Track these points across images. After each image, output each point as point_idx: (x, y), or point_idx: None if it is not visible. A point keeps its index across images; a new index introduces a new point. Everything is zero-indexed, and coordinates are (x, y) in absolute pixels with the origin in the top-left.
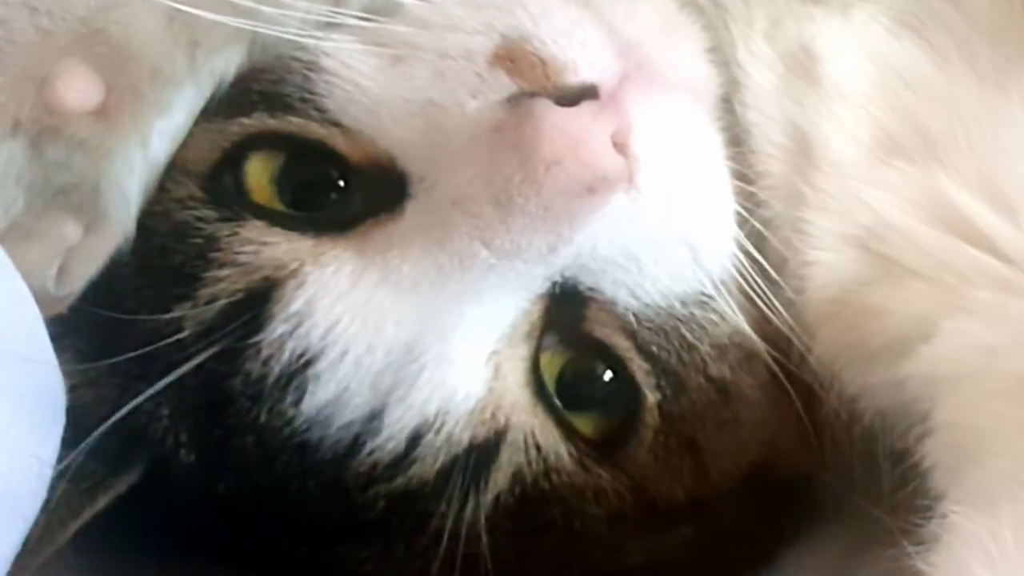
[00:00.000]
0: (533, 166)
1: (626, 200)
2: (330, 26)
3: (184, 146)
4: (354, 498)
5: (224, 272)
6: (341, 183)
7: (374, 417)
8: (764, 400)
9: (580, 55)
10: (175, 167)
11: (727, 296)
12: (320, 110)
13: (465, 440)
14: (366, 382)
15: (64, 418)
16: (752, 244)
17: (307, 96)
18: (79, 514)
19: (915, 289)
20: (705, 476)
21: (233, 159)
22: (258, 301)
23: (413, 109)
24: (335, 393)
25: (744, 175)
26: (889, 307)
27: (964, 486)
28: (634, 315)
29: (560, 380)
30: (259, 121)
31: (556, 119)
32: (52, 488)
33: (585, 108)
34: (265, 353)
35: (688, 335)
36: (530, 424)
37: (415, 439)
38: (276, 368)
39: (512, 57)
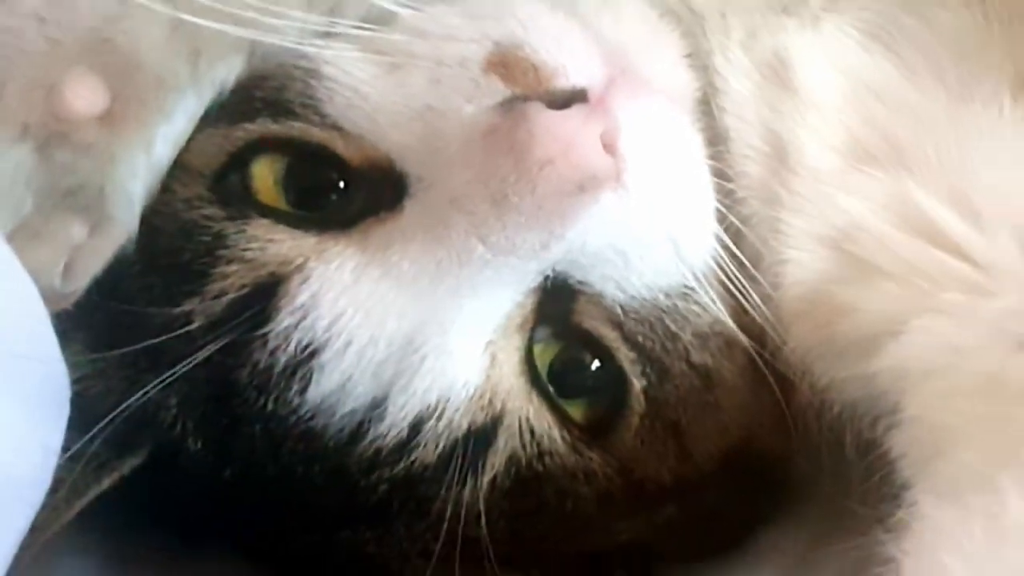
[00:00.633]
0: (527, 166)
1: (614, 198)
2: (329, 35)
3: (189, 150)
4: (357, 483)
5: (231, 268)
6: (342, 184)
7: (377, 405)
8: (743, 386)
9: (570, 61)
10: (181, 169)
11: (708, 289)
12: (321, 115)
13: (464, 426)
14: (369, 372)
15: (69, 408)
16: (731, 239)
17: (308, 102)
18: (84, 493)
19: (885, 289)
20: (688, 458)
21: (240, 162)
22: (264, 295)
23: (411, 114)
24: (339, 382)
25: (723, 173)
26: (860, 305)
27: (931, 478)
28: (620, 307)
29: (551, 369)
30: (263, 126)
31: (548, 122)
32: (58, 470)
33: (575, 111)
34: (271, 345)
35: (672, 325)
36: (525, 410)
37: (417, 425)
38: (282, 359)
39: (505, 63)
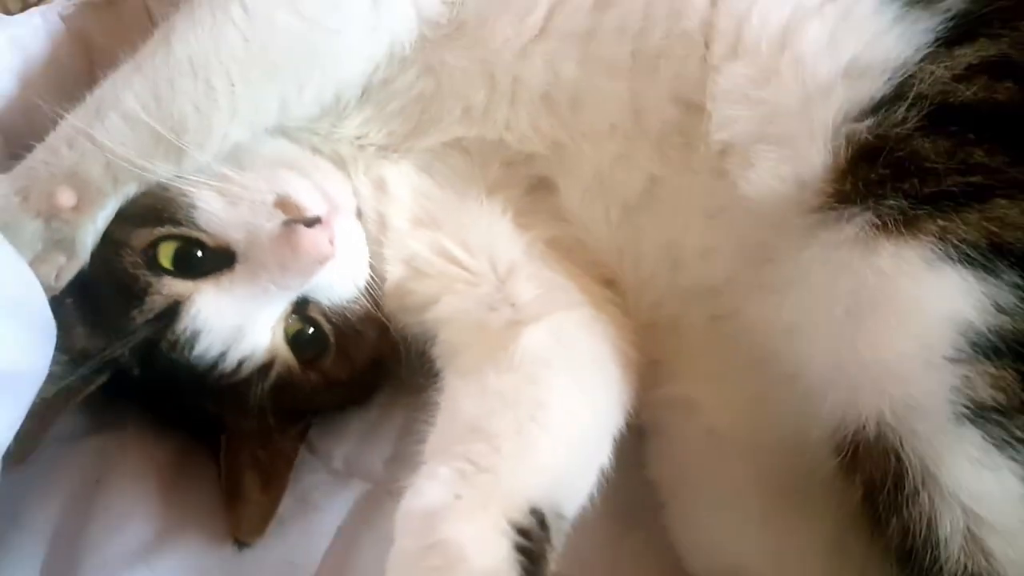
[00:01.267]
0: (297, 254)
1: (331, 263)
2: (197, 171)
3: (132, 235)
4: (213, 384)
5: (155, 297)
6: (202, 255)
7: (224, 354)
8: (376, 331)
9: (311, 203)
10: (127, 246)
11: (363, 295)
12: (192, 221)
13: (259, 362)
14: (219, 341)
15: (55, 336)
16: (371, 270)
17: (187, 215)
18: (81, 391)
19: (429, 283)
20: (354, 366)
21: (154, 245)
22: (172, 311)
23: (239, 224)
24: (206, 346)
25: (370, 234)
26: (418, 290)
27: (452, 366)
28: (327, 306)
29: (295, 335)
30: (165, 229)
31: (306, 234)
32: (59, 387)
33: (318, 228)
34: (176, 333)
35: (348, 312)
36: (285, 356)
37: (240, 363)
38: (181, 338)
39: (284, 204)
